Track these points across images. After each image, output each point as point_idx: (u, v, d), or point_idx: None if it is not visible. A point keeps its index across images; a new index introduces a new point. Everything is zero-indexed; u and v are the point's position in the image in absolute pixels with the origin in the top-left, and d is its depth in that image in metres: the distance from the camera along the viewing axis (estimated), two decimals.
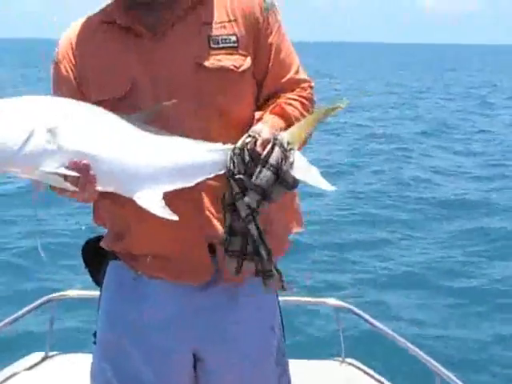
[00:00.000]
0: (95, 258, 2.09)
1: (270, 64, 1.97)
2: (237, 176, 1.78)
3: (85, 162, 1.72)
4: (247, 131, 1.85)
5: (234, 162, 1.79)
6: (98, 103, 1.85)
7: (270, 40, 1.96)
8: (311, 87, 2.04)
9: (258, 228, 1.80)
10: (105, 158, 1.76)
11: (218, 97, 1.89)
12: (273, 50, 1.97)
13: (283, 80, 1.98)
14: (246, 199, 1.77)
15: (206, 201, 1.90)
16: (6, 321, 3.45)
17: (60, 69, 1.97)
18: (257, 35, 1.94)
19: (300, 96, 1.99)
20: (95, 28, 1.97)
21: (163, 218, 1.76)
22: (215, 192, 1.87)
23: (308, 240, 8.84)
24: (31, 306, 3.56)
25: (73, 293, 3.69)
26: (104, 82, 1.91)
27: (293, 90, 1.99)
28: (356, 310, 3.59)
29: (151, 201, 1.79)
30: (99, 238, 2.08)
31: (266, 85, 1.98)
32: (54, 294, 3.62)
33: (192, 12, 1.93)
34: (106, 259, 2.06)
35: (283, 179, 1.78)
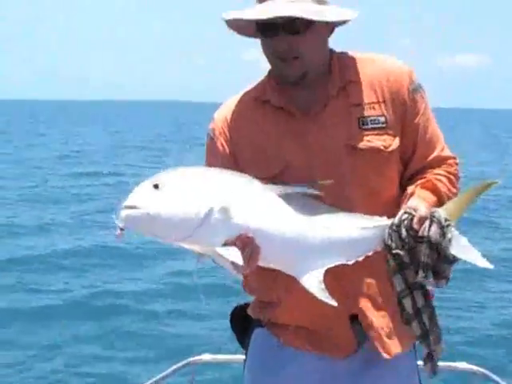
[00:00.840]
0: (242, 322, 2.17)
1: (418, 143, 2.00)
2: (394, 251, 1.81)
3: (250, 236, 1.78)
4: (393, 209, 1.90)
5: (391, 238, 1.82)
6: None
7: (416, 120, 2.00)
8: (457, 164, 2.06)
9: (414, 305, 1.84)
10: (270, 235, 1.81)
11: (371, 177, 1.94)
12: (420, 130, 2.00)
13: (429, 158, 2.02)
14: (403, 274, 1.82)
15: (348, 275, 1.93)
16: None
17: (217, 144, 2.06)
18: (404, 116, 1.98)
19: (447, 172, 2.01)
20: (249, 105, 2.06)
21: (320, 300, 1.81)
22: (354, 266, 1.90)
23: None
24: (170, 369, 3.70)
25: (208, 357, 3.82)
26: (258, 160, 1.98)
27: (439, 166, 2.02)
28: (492, 375, 3.27)
29: (312, 281, 1.83)
30: (247, 304, 2.16)
31: (413, 162, 2.01)
32: (191, 358, 3.76)
33: (342, 92, 1.99)
34: (252, 325, 2.14)
35: (444, 256, 1.79)
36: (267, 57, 1.99)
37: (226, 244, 1.77)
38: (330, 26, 1.98)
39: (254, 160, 1.99)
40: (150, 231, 1.74)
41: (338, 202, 1.92)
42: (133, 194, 1.76)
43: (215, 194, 1.78)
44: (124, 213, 1.72)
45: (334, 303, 1.81)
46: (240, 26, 2.00)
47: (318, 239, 1.85)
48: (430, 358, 1.89)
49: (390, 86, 1.99)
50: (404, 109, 1.98)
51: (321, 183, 1.87)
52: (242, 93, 2.11)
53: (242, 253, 1.76)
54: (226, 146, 2.05)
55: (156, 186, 1.76)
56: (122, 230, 1.73)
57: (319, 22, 1.89)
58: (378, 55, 2.07)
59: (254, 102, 2.06)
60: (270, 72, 2.07)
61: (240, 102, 2.09)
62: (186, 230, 1.74)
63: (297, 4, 1.88)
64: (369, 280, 1.97)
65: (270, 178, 1.93)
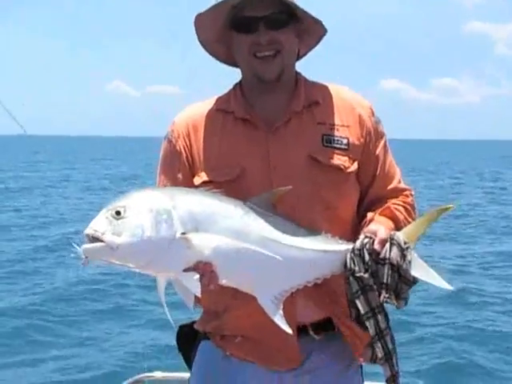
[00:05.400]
0: (188, 342, 2.17)
1: (377, 173, 2.07)
2: (357, 274, 1.85)
3: (209, 263, 1.80)
4: (351, 229, 1.99)
5: (353, 261, 1.86)
6: (207, 183, 1.96)
7: (377, 151, 2.08)
8: (412, 195, 2.15)
9: (377, 327, 1.87)
10: (228, 262, 1.83)
11: (328, 192, 1.99)
12: (380, 160, 2.08)
13: (388, 188, 2.09)
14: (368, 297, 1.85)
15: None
16: None
17: (175, 147, 2.07)
18: (367, 144, 2.05)
19: (405, 202, 2.09)
20: (211, 115, 2.07)
21: (277, 326, 1.85)
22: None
23: None
24: None
25: (159, 374, 3.80)
26: (215, 166, 2.00)
27: (397, 197, 2.09)
28: None
29: (272, 303, 1.87)
30: (193, 322, 2.16)
31: (372, 191, 2.08)
32: (140, 375, 3.75)
33: (307, 110, 2.04)
34: (198, 341, 2.13)
35: (404, 277, 1.85)
36: (241, 56, 2.01)
37: (186, 270, 1.79)
38: (300, 33, 2.01)
39: (211, 165, 2.01)
40: (111, 261, 1.75)
41: (295, 213, 1.95)
42: (93, 223, 1.75)
43: (175, 222, 1.78)
44: (84, 246, 1.72)
45: (289, 330, 1.85)
46: (210, 27, 1.99)
47: (279, 262, 1.87)
48: (395, 380, 1.91)
49: (354, 114, 2.05)
50: (369, 139, 2.05)
51: (279, 190, 1.90)
52: (205, 102, 2.12)
53: (201, 279, 1.79)
54: (183, 150, 2.06)
55: (118, 213, 1.75)
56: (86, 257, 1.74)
57: (300, 14, 1.94)
58: (339, 85, 2.13)
59: (216, 112, 2.07)
60: (237, 84, 2.10)
61: (202, 110, 2.09)
62: (144, 260, 1.75)
63: None
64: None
65: (226, 183, 1.95)
